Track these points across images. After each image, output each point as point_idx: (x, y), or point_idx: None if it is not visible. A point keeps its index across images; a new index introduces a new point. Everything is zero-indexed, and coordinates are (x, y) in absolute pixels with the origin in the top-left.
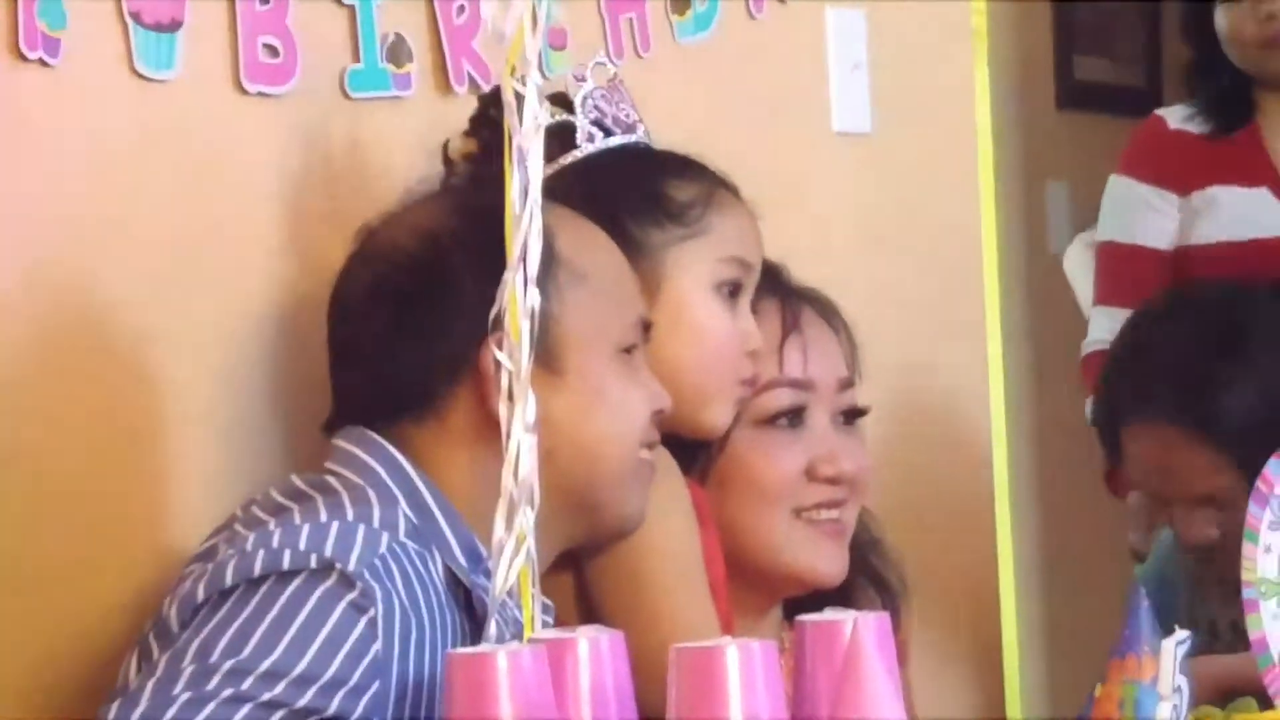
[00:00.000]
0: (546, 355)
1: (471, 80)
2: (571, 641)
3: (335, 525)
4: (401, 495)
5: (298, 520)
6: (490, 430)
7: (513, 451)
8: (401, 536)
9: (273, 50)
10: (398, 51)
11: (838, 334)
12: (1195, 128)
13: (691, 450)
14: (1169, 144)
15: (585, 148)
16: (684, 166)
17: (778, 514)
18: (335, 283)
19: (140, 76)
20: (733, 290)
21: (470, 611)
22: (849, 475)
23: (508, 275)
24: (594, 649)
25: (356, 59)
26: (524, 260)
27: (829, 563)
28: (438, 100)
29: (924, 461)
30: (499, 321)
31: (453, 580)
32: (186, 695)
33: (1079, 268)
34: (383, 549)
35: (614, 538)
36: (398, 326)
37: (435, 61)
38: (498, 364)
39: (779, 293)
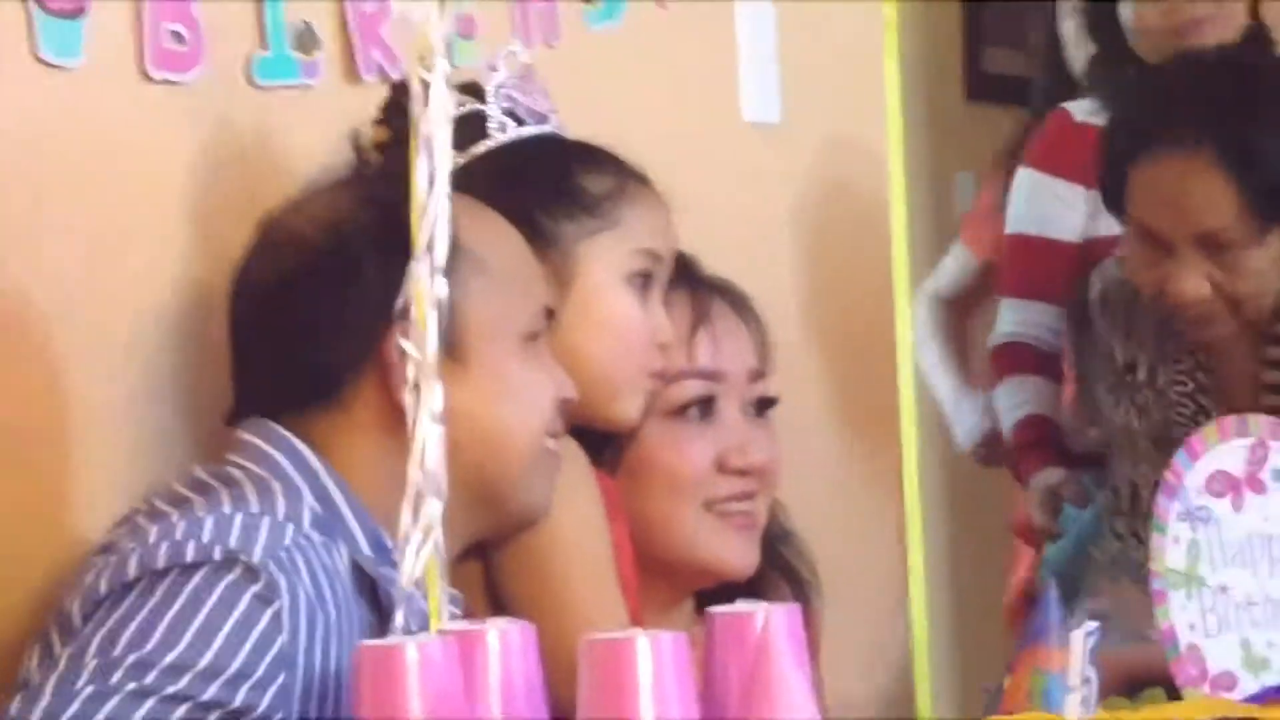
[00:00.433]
0: (449, 345)
1: (380, 69)
2: (481, 633)
3: (239, 517)
4: (306, 487)
5: (201, 512)
6: (396, 421)
7: (419, 441)
8: (306, 528)
9: (178, 37)
10: (305, 39)
11: (748, 325)
12: (1101, 120)
13: (601, 442)
14: (1075, 137)
15: (497, 137)
16: (597, 158)
17: (688, 506)
18: (237, 272)
19: (44, 63)
20: (644, 282)
21: (376, 603)
22: (759, 466)
23: (414, 264)
24: (504, 641)
25: (263, 46)
26: (430, 249)
27: (739, 555)
28: (346, 89)
29: (834, 451)
30: (404, 311)
31: (358, 572)
32: (89, 690)
33: (928, 326)
34: (288, 541)
35: (520, 528)
36: (301, 317)
37: (343, 49)
38: (402, 354)
39: (689, 284)
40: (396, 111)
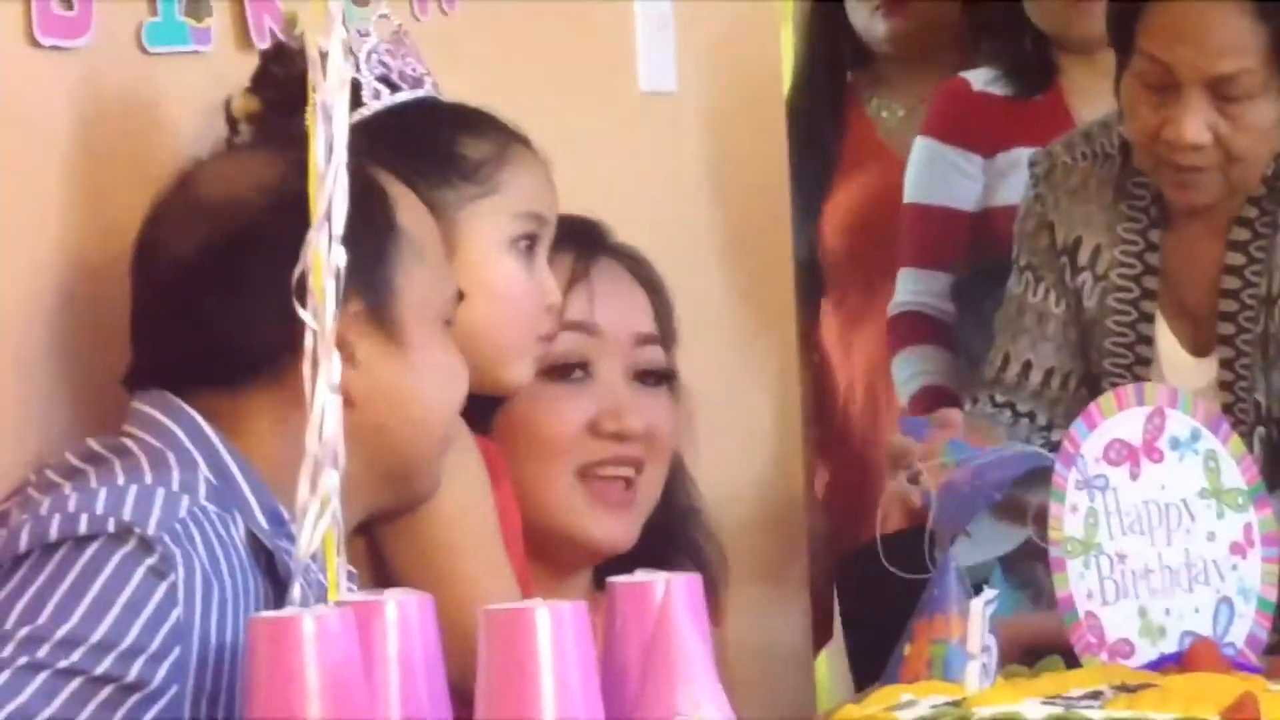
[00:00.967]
0: (392, 328)
1: (273, 35)
2: (379, 605)
3: (133, 488)
4: (201, 458)
5: (94, 483)
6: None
7: (317, 413)
8: (202, 499)
9: (67, 3)
10: (197, 5)
11: (651, 292)
12: (999, 90)
13: (479, 403)
14: (973, 106)
15: (372, 105)
16: (475, 121)
17: (559, 471)
18: (153, 237)
19: None
20: (529, 245)
21: (273, 575)
22: (636, 432)
23: (311, 234)
24: (402, 612)
25: (154, 12)
26: (329, 218)
27: (609, 531)
28: (237, 55)
29: (735, 414)
30: (303, 281)
31: (255, 544)
32: None
33: None
34: (183, 512)
35: (417, 504)
36: (238, 287)
37: (235, 15)
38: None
39: (575, 245)
40: (266, 80)
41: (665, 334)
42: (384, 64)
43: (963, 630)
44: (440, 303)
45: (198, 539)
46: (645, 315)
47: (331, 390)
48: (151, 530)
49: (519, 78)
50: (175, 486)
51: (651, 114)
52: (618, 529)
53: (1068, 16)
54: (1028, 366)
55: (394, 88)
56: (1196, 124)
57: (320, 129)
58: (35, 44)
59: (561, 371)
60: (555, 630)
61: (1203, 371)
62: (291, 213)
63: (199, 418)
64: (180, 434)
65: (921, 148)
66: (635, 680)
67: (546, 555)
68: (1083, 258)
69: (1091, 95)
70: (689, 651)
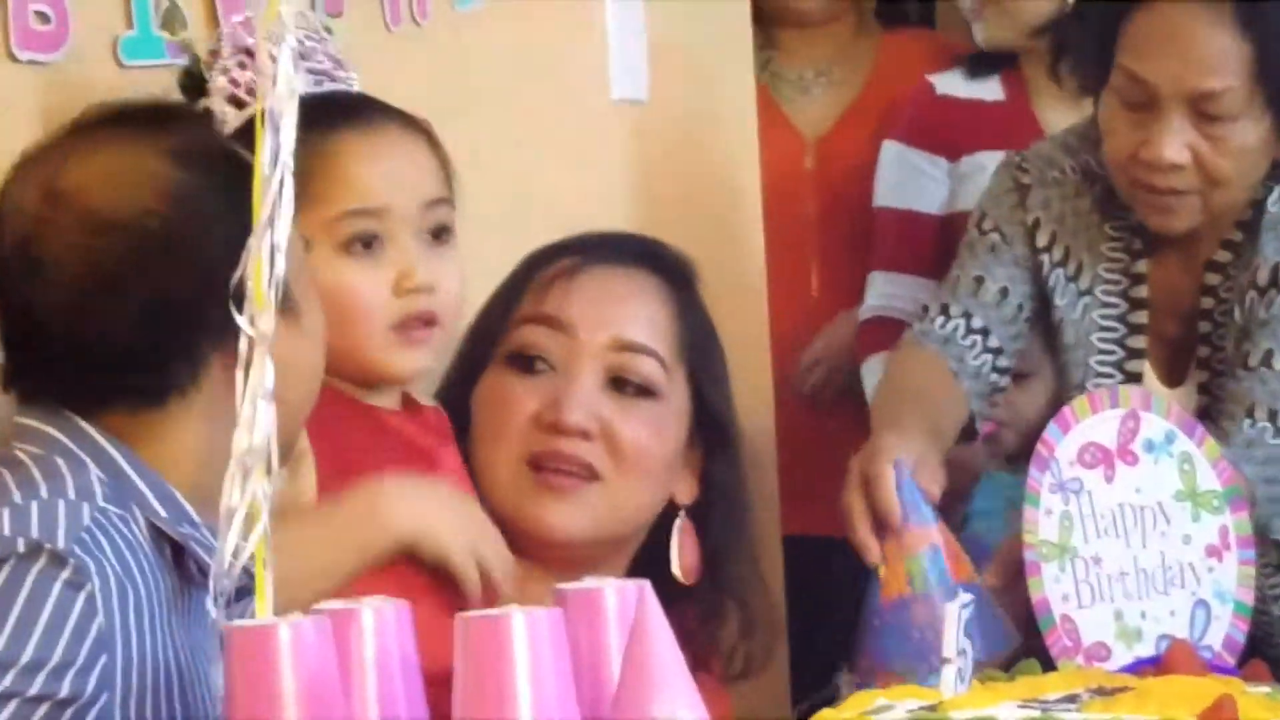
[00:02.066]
0: (287, 303)
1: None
2: (355, 612)
3: (34, 504)
4: (88, 457)
5: None
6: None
7: (247, 417)
8: (100, 502)
9: (44, 17)
10: (171, 19)
11: (679, 314)
12: (964, 93)
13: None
14: (938, 110)
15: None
16: None
17: (506, 457)
18: (31, 252)
19: None
20: (368, 243)
21: (178, 565)
22: (573, 427)
23: (252, 240)
24: (379, 620)
25: (130, 26)
26: (271, 224)
27: (547, 513)
28: None
29: None
30: (241, 286)
31: (156, 536)
32: None
33: None
34: (87, 520)
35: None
36: (164, 303)
37: (209, 29)
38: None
39: (584, 251)
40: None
41: (695, 365)
42: (234, 80)
43: (929, 538)
44: (301, 254)
45: (105, 545)
46: (640, 327)
47: (265, 398)
48: (61, 544)
49: (489, 87)
50: (73, 494)
51: (623, 123)
52: (557, 513)
53: (1020, 28)
54: (1006, 292)
55: (240, 105)
56: (1175, 143)
57: (268, 137)
58: (13, 58)
59: (522, 362)
60: (531, 635)
61: (1182, 402)
62: (202, 218)
63: (75, 416)
64: (62, 437)
65: (888, 151)
66: (612, 685)
67: (515, 548)
68: (1070, 268)
69: (1057, 98)
70: (665, 656)
